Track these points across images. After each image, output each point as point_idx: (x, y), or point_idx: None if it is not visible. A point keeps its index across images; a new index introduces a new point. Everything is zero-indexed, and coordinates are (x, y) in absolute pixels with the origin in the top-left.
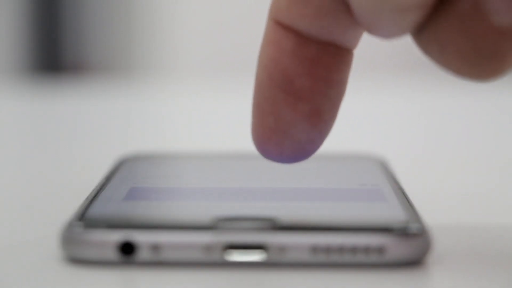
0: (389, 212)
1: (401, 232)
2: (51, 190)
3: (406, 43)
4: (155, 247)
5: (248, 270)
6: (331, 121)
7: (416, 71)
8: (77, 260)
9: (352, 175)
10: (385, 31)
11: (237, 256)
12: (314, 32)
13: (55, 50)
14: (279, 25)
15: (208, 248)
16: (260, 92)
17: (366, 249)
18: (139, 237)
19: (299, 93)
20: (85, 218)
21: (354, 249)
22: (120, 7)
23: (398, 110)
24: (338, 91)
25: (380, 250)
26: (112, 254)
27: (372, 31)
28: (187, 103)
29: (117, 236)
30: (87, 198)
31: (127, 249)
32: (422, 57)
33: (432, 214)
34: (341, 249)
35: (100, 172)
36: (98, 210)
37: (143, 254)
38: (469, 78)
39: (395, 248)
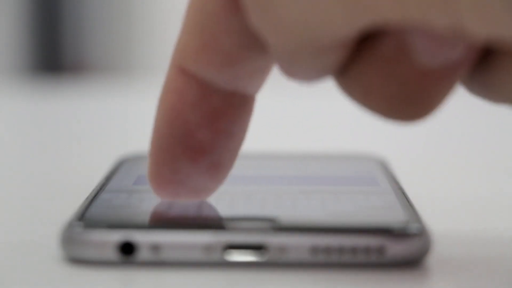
0: (389, 212)
1: (401, 232)
2: (51, 190)
3: None
4: (155, 247)
5: (248, 270)
6: (229, 170)
7: None
8: (77, 260)
9: (352, 175)
10: (303, 74)
11: (237, 256)
12: (219, 81)
13: (55, 50)
14: (183, 73)
15: (208, 248)
16: (158, 140)
17: (366, 249)
18: (139, 237)
19: (199, 146)
20: (85, 218)
21: (354, 249)
22: (120, 7)
23: None
24: (238, 142)
25: (380, 250)
26: (112, 254)
27: (289, 74)
28: None
29: (117, 236)
30: (87, 198)
31: (127, 249)
32: None
33: (432, 214)
34: (341, 249)
35: (100, 172)
36: (98, 210)
37: (143, 254)
38: (395, 121)
39: (395, 248)
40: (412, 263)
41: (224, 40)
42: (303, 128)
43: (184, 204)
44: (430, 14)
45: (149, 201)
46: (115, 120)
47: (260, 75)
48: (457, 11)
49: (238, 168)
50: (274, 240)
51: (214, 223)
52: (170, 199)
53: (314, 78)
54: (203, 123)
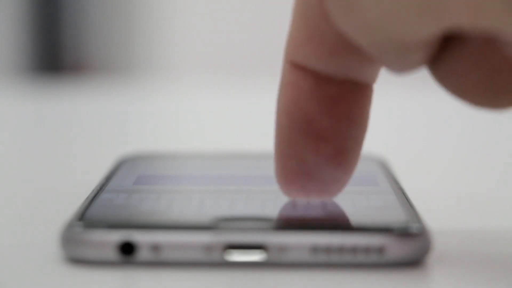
0: (389, 212)
1: (401, 232)
2: (51, 190)
3: None
4: (155, 247)
5: (248, 270)
6: (356, 159)
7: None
8: (77, 260)
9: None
10: (396, 67)
11: (237, 256)
12: (331, 71)
13: (55, 50)
14: (296, 66)
15: (208, 248)
16: (281, 135)
17: (366, 249)
18: (139, 237)
19: (321, 134)
20: (85, 218)
21: (354, 249)
22: (120, 7)
23: (398, 110)
24: (361, 129)
25: (380, 250)
26: (112, 254)
27: (385, 67)
28: (187, 103)
29: (117, 236)
30: (87, 198)
31: (127, 249)
32: None
33: (432, 214)
34: (341, 249)
35: (100, 172)
36: (98, 210)
37: (143, 254)
38: (485, 109)
39: (395, 248)
40: (412, 263)
41: (328, 33)
42: None
43: (184, 204)
44: (502, 22)
45: (149, 201)
46: (115, 120)
47: (371, 66)
48: None
49: (238, 168)
50: (274, 240)
51: (214, 223)
52: (300, 197)
53: (406, 71)
54: (321, 110)
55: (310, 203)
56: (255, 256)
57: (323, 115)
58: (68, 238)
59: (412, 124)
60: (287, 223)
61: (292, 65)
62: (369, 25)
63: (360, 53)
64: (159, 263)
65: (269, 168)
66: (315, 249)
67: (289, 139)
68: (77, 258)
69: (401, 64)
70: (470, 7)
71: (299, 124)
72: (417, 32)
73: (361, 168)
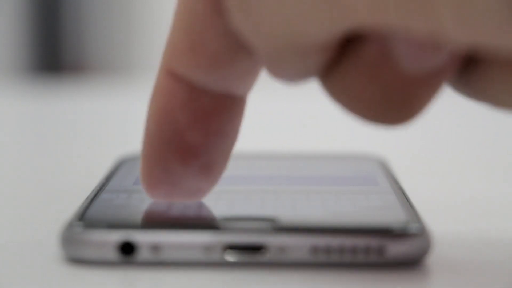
0: (389, 212)
1: (401, 232)
2: (51, 190)
3: None
4: (155, 247)
5: (248, 270)
6: (222, 171)
7: None
8: (77, 260)
9: (352, 175)
10: (287, 75)
11: (237, 256)
12: (208, 82)
13: (55, 50)
14: (171, 74)
15: (208, 248)
16: (149, 142)
17: (366, 249)
18: (139, 237)
19: (190, 148)
20: (85, 218)
21: (354, 249)
22: (120, 7)
23: None
24: (230, 142)
25: (380, 250)
26: (112, 254)
27: (275, 75)
28: None
29: (117, 236)
30: (87, 198)
31: (127, 249)
32: None
33: (432, 214)
34: (341, 249)
35: (100, 172)
36: (98, 210)
37: (143, 254)
38: (379, 125)
39: (395, 248)
40: (412, 263)
41: (211, 42)
42: (303, 128)
43: (184, 204)
44: (409, 19)
45: (149, 201)
46: (115, 120)
47: (249, 77)
48: (437, 17)
49: (238, 168)
50: (274, 240)
51: (214, 223)
52: (163, 200)
53: (299, 79)
54: (193, 124)
55: (309, 201)
56: (255, 256)
57: (194, 129)
58: (68, 238)
59: (412, 124)
60: (287, 223)
61: (168, 72)
62: (268, 26)
63: (240, 65)
64: (159, 263)
65: (269, 168)
66: (315, 249)
67: (156, 147)
68: (77, 258)
69: (295, 70)
70: (370, 3)
71: (168, 134)
72: (319, 31)
73: (361, 168)
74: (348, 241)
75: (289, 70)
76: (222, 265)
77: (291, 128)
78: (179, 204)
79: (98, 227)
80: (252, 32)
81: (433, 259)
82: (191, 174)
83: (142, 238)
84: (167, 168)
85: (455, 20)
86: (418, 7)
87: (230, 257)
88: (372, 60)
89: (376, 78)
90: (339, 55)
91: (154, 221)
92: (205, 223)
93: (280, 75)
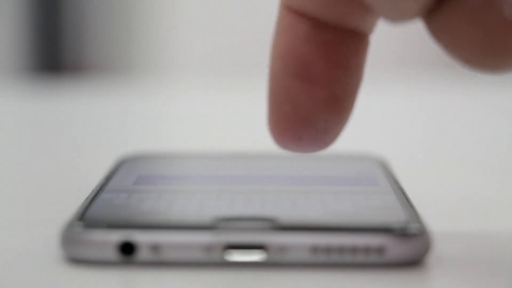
0: (389, 212)
1: (401, 232)
2: (51, 190)
3: (407, 43)
4: (155, 247)
5: (248, 270)
6: (350, 109)
7: (416, 70)
8: (77, 260)
9: (352, 175)
10: (393, 15)
11: (237, 256)
12: (328, 17)
13: (55, 50)
14: (292, 11)
15: (208, 248)
16: (276, 81)
17: (366, 249)
18: (139, 237)
19: (316, 79)
20: (85, 218)
21: (354, 249)
22: (120, 7)
23: (398, 110)
24: (356, 77)
25: (380, 250)
26: (112, 254)
27: (382, 14)
28: (187, 103)
29: (117, 236)
30: (87, 198)
31: (127, 249)
32: (422, 57)
33: (432, 214)
34: (341, 249)
35: (100, 172)
36: (98, 210)
37: (143, 254)
38: (479, 69)
39: (395, 248)
40: (412, 263)
41: None
42: None
43: (184, 204)
44: None
45: (149, 201)
46: (115, 120)
47: (368, 15)
48: None
49: (238, 168)
50: (274, 240)
51: (214, 223)
52: (292, 147)
53: (403, 19)
54: (317, 55)
55: (309, 201)
56: (255, 256)
57: (319, 60)
58: (68, 238)
59: (412, 124)
60: (287, 223)
61: (288, 10)
62: None
63: (356, 2)
64: (159, 263)
65: (269, 168)
66: (315, 249)
67: (283, 83)
68: (77, 258)
69: (396, 12)
70: None
71: (294, 68)
72: None
73: (361, 168)
74: (348, 241)
75: (394, 11)
76: (222, 265)
77: None
78: (179, 204)
79: (98, 227)
80: None
81: (433, 259)
82: (319, 108)
83: (142, 238)
84: (295, 102)
85: None
86: None
87: (230, 257)
88: (475, 5)
89: (479, 22)
90: None
91: (154, 221)
92: (205, 223)
93: (386, 15)
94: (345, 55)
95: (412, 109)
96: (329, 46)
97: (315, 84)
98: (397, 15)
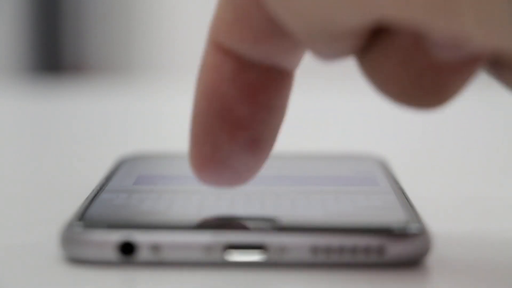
0: (389, 212)
1: (401, 232)
2: (51, 190)
3: None
4: (155, 247)
5: (248, 270)
6: (270, 148)
7: None
8: (77, 260)
9: (352, 175)
10: (323, 55)
11: (237, 256)
12: (254, 55)
13: (55, 50)
14: (219, 48)
15: (208, 248)
16: (197, 119)
17: (366, 249)
18: (139, 237)
19: (238, 121)
20: (85, 218)
21: (354, 249)
22: (120, 7)
23: (398, 110)
24: (278, 117)
25: (380, 250)
26: (112, 254)
27: (313, 53)
28: (187, 103)
29: (117, 236)
30: (87, 198)
31: (127, 249)
32: None
33: (432, 214)
34: (341, 249)
35: (100, 172)
36: (98, 210)
37: (143, 254)
38: (411, 108)
39: (395, 248)
40: (412, 263)
41: (256, 16)
42: (303, 128)
43: (184, 204)
44: (432, 18)
45: (149, 201)
46: (115, 120)
47: (295, 52)
48: (460, 18)
49: None
50: (274, 240)
51: (214, 223)
52: (213, 185)
53: (335, 58)
54: (241, 97)
55: (309, 201)
56: (255, 256)
57: (242, 102)
58: (68, 238)
59: (412, 124)
60: (287, 223)
61: (215, 46)
62: (300, 11)
63: (285, 39)
64: (159, 263)
65: (269, 168)
66: (315, 249)
67: (205, 124)
68: (77, 258)
69: (329, 51)
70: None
71: (216, 109)
72: (346, 21)
73: (361, 168)
74: (348, 241)
75: (324, 50)
76: (222, 265)
77: (291, 128)
78: (179, 204)
79: (98, 227)
80: (285, 15)
81: (433, 259)
82: (240, 150)
83: (142, 238)
84: (215, 144)
85: (478, 24)
86: (442, 8)
87: (230, 257)
88: (404, 46)
89: (409, 63)
90: (373, 39)
91: (154, 221)
92: (205, 223)
93: (316, 54)
94: (270, 96)
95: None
96: (253, 88)
97: (237, 127)
98: (330, 54)
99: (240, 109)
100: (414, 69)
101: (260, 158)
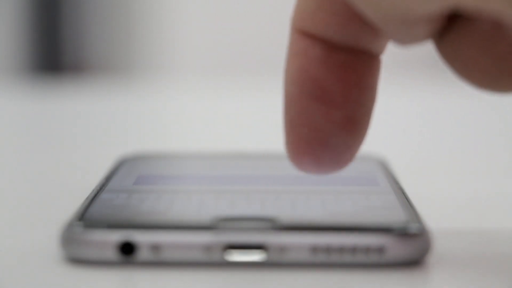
0: (389, 212)
1: (401, 232)
2: (51, 190)
3: None
4: (155, 247)
5: (248, 270)
6: (366, 127)
7: (416, 70)
8: (77, 260)
9: (352, 175)
10: (403, 39)
11: (237, 256)
12: (341, 39)
13: (55, 50)
14: (304, 34)
15: (208, 248)
16: (291, 104)
17: (366, 249)
18: (139, 237)
19: (332, 101)
20: (85, 218)
21: (354, 249)
22: (120, 7)
23: (398, 110)
24: (370, 97)
25: (380, 250)
26: (112, 254)
27: (392, 38)
28: (187, 102)
29: (117, 236)
30: (87, 198)
31: (127, 249)
32: (422, 57)
33: (432, 214)
34: (341, 249)
35: (100, 172)
36: (98, 210)
37: (143, 254)
38: (489, 91)
39: (395, 248)
40: (412, 263)
41: (337, 3)
42: None
43: (184, 204)
44: (504, 9)
45: (149, 201)
46: (115, 120)
47: (379, 37)
48: None
49: (238, 168)
50: (274, 240)
51: (214, 223)
52: (312, 169)
53: (413, 43)
54: (332, 77)
55: (309, 201)
56: (255, 256)
57: (333, 82)
58: (68, 238)
59: (412, 124)
60: (287, 223)
61: (300, 33)
62: (375, 1)
63: (367, 25)
64: (159, 263)
65: (269, 168)
66: (315, 249)
67: (299, 107)
68: (77, 258)
69: (406, 37)
70: None
71: (309, 91)
72: (422, 10)
73: (361, 168)
74: (348, 241)
75: (401, 36)
76: (222, 265)
77: None
78: (179, 204)
79: (98, 227)
80: (362, 4)
81: (433, 259)
82: (337, 129)
83: (142, 238)
84: (313, 125)
85: None
86: None
87: (230, 257)
88: (483, 30)
89: (489, 47)
90: (451, 23)
91: (154, 221)
92: (205, 223)
93: (394, 40)
94: (360, 75)
95: (412, 109)
96: (343, 68)
97: (331, 105)
98: (407, 39)
99: (332, 89)
100: (495, 53)
101: (357, 138)
